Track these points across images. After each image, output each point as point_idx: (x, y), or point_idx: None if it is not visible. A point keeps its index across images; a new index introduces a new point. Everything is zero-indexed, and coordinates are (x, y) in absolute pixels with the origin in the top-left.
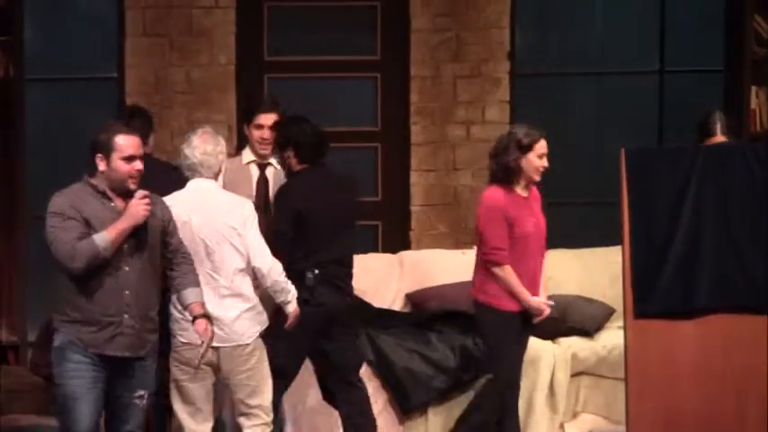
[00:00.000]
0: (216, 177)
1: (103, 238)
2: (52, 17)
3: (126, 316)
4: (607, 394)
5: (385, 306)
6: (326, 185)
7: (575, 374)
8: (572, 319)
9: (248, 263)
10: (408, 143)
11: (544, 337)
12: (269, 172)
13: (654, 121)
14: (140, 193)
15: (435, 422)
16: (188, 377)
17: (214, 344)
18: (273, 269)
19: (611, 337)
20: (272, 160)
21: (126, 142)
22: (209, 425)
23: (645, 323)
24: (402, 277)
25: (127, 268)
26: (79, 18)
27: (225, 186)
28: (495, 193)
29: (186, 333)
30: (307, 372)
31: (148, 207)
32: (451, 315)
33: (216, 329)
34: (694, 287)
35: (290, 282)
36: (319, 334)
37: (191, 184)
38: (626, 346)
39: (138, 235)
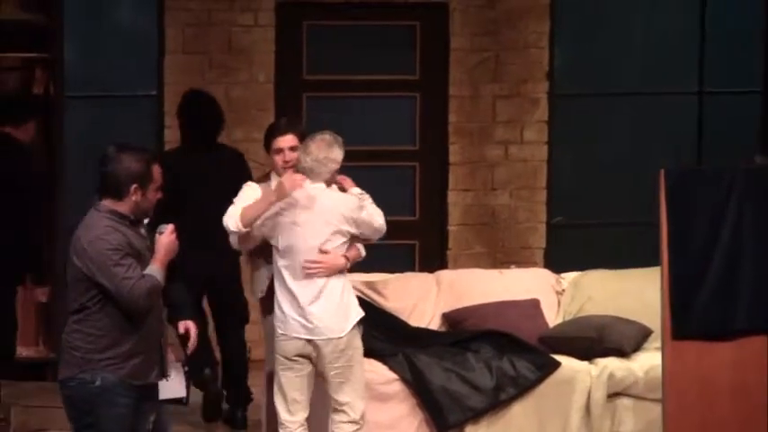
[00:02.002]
0: (326, 182)
1: (158, 271)
2: (92, 35)
3: (162, 339)
4: (644, 416)
5: (422, 325)
6: None
7: (611, 395)
8: (609, 340)
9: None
10: (446, 163)
11: (581, 357)
12: None
13: (693, 142)
14: (170, 227)
15: None
16: (284, 367)
17: (309, 337)
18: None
19: (649, 358)
20: None
21: (159, 172)
22: (304, 415)
23: (683, 344)
24: (439, 296)
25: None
26: (119, 36)
27: None
28: None
29: (283, 325)
30: None
31: (177, 240)
32: (489, 335)
33: (310, 325)
34: (733, 309)
35: None
36: None
37: None
38: (664, 368)
39: None
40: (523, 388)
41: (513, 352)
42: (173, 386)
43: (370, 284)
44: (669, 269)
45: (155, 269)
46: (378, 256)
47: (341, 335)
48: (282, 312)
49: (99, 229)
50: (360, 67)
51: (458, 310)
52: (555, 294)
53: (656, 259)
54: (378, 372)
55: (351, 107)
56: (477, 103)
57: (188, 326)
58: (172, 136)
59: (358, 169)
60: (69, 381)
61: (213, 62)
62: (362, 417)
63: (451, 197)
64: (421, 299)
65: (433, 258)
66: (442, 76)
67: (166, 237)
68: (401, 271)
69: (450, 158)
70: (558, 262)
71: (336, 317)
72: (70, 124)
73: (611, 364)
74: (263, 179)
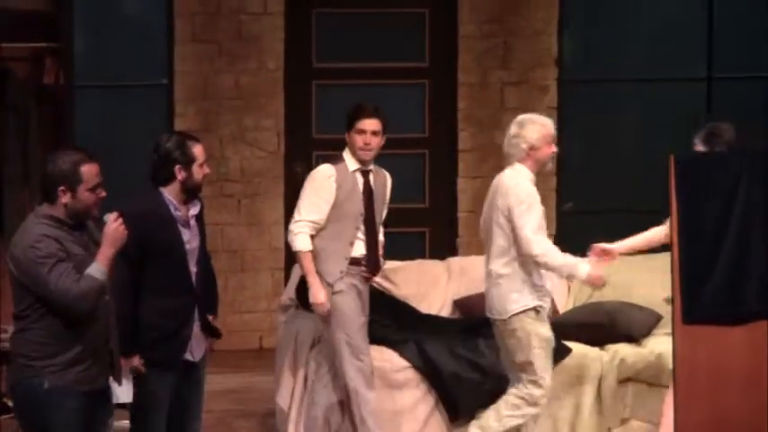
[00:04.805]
0: (521, 161)
1: (99, 270)
2: (102, 24)
3: (111, 344)
4: (655, 401)
5: (432, 312)
6: None
7: (622, 381)
8: (620, 326)
9: (512, 244)
10: (456, 150)
11: (592, 343)
12: (371, 179)
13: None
14: (113, 215)
15: None
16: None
17: (487, 314)
18: (544, 256)
19: (659, 344)
20: (371, 166)
21: (92, 171)
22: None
23: (693, 329)
24: (449, 283)
25: (107, 296)
26: (129, 25)
27: (337, 195)
28: None
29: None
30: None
31: (124, 228)
32: None
33: (487, 301)
34: (743, 294)
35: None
36: None
37: None
38: (674, 353)
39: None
40: None
41: None
42: (125, 391)
43: (381, 272)
44: (679, 254)
45: (94, 267)
46: (388, 243)
47: (503, 317)
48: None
49: (31, 236)
50: (369, 55)
51: (468, 297)
52: (565, 280)
53: (666, 245)
54: (389, 359)
55: (360, 95)
56: (486, 90)
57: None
58: (183, 125)
59: None
60: (17, 385)
61: (223, 50)
62: (533, 396)
63: (461, 184)
64: (431, 286)
65: (444, 245)
66: (450, 63)
67: (109, 226)
68: (412, 258)
69: (459, 145)
70: (568, 248)
71: (504, 299)
72: (80, 114)
73: (621, 349)
74: (338, 160)
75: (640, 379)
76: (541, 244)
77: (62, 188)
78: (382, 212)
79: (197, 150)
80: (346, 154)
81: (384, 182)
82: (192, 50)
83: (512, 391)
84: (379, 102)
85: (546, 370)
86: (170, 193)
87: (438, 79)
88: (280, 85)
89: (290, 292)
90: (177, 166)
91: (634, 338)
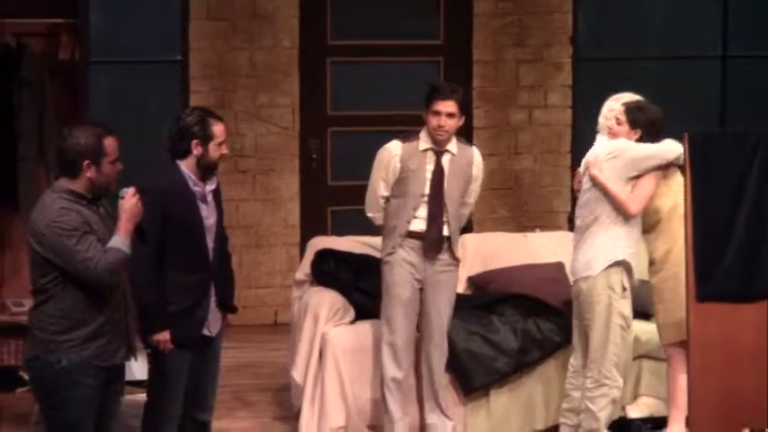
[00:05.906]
0: (610, 135)
1: (123, 243)
2: (117, 1)
3: (129, 318)
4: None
5: None
6: None
7: (636, 357)
8: (634, 303)
9: (607, 211)
10: (470, 127)
11: None
12: (445, 160)
13: (716, 106)
14: (131, 190)
15: (497, 404)
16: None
17: (571, 277)
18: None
19: None
20: (450, 147)
21: (113, 145)
22: (576, 363)
23: (707, 307)
24: (464, 260)
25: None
26: (144, 1)
27: (401, 173)
28: None
29: None
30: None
31: (140, 202)
32: (513, 298)
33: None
34: (757, 271)
35: None
36: None
37: None
38: (688, 330)
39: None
40: (548, 350)
41: (538, 315)
42: (138, 368)
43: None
44: (693, 232)
45: (117, 240)
46: None
47: (585, 274)
48: None
49: (53, 211)
50: (384, 32)
51: (482, 274)
52: None
53: None
54: None
55: (375, 72)
56: (500, 68)
57: None
58: (197, 101)
59: (382, 134)
60: (34, 361)
61: (237, 27)
62: (608, 377)
63: None
64: None
65: None
66: (465, 41)
67: (128, 201)
68: None
69: (474, 123)
70: None
71: (585, 257)
72: (95, 90)
73: (635, 326)
74: (412, 137)
75: (653, 356)
76: None
77: (87, 162)
78: (463, 194)
79: (217, 129)
80: (423, 132)
81: (469, 161)
82: (206, 27)
83: (588, 383)
84: (393, 79)
85: (618, 347)
86: (187, 168)
87: (453, 57)
88: (294, 63)
89: (304, 267)
90: (194, 141)
91: (648, 315)
